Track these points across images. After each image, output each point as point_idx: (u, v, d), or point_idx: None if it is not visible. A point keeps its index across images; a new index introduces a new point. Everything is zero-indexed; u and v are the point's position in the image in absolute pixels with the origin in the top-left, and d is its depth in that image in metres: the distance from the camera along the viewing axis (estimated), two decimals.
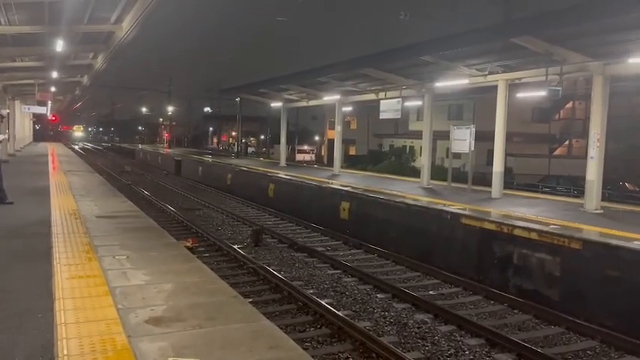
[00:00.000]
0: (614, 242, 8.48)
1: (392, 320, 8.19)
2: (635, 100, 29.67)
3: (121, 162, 46.71)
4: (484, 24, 11.75)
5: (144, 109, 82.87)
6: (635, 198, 21.19)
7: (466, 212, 11.77)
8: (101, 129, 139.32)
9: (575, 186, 22.35)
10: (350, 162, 39.54)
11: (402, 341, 7.40)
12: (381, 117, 20.06)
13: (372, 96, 20.77)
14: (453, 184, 17.65)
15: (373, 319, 8.25)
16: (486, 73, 14.88)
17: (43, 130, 70.06)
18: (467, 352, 7.11)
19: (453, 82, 16.12)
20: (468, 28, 14.22)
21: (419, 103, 19.99)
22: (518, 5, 16.07)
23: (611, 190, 21.48)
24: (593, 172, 12.46)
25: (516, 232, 10.04)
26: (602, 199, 13.30)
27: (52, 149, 39.20)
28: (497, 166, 15.00)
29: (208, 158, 36.30)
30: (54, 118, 58.17)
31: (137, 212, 10.87)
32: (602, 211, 12.38)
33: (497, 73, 14.75)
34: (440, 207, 12.51)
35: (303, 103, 26.91)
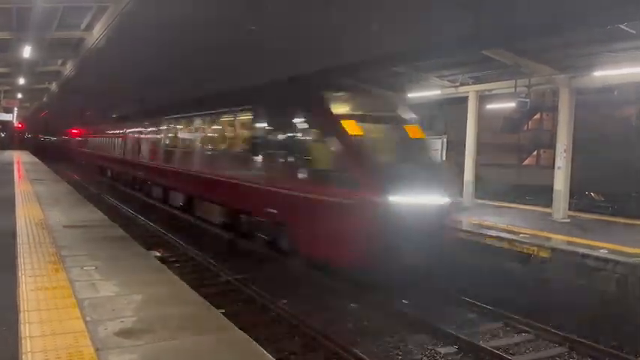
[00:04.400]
0: (581, 250, 8.69)
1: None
2: (602, 112, 30.47)
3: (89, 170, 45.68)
4: (455, 35, 11.97)
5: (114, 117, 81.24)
6: (601, 207, 21.73)
7: None
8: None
9: (544, 195, 22.83)
10: None
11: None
12: None
13: None
14: None
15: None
16: (457, 84, 15.15)
17: (9, 138, 67.78)
18: None
19: (425, 92, 16.35)
20: (440, 40, 14.44)
21: None
22: (488, 18, 16.44)
23: (578, 199, 22.00)
24: (560, 182, 12.77)
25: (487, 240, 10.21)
26: (570, 209, 13.62)
27: (17, 158, 38.18)
28: (468, 175, 15.25)
29: None
30: (20, 126, 56.68)
31: (106, 222, 10.66)
32: (569, 220, 12.68)
33: (468, 84, 15.04)
34: None
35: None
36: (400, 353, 7.29)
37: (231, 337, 4.52)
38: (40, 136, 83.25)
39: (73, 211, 11.70)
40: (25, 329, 4.45)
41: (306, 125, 9.90)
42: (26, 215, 10.54)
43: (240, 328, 4.88)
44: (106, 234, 9.07)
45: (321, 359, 7.04)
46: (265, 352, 4.35)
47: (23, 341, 4.20)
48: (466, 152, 15.12)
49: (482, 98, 15.38)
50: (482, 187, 16.48)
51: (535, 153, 42.06)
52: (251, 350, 4.26)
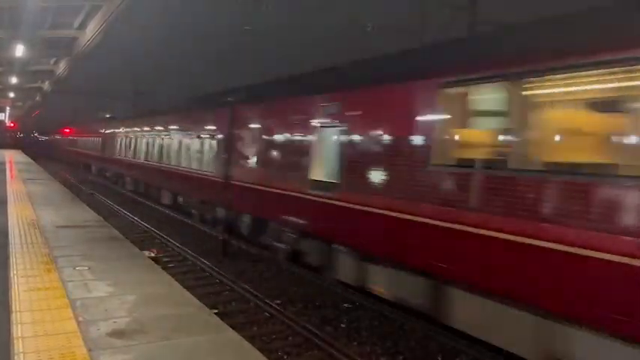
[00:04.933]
0: None
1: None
2: None
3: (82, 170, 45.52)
4: (449, 36, 11.98)
5: (107, 116, 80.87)
6: None
7: None
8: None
9: None
10: None
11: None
12: None
13: None
14: None
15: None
16: None
17: (1, 138, 67.17)
18: None
19: None
20: (434, 41, 14.51)
21: None
22: (483, 19, 16.53)
23: None
24: None
25: None
26: None
27: (10, 157, 37.99)
28: None
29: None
30: (12, 125, 56.39)
31: (100, 222, 10.64)
32: None
33: None
34: None
35: None
36: None
37: (224, 337, 4.52)
38: (38, 135, 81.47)
39: (66, 211, 11.65)
40: (17, 330, 4.43)
41: None
42: (19, 215, 10.49)
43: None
44: (99, 234, 9.04)
45: None
46: (257, 350, 4.36)
47: (15, 342, 4.18)
48: None
49: None
50: None
51: None
52: (244, 350, 4.27)
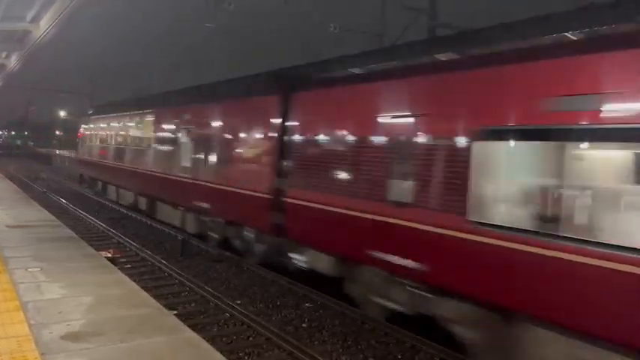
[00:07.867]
0: None
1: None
2: None
3: (36, 168, 43.98)
4: (410, 39, 12.17)
5: (62, 113, 78.40)
6: None
7: None
8: (13, 132, 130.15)
9: None
10: None
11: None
12: None
13: None
14: None
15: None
16: None
17: None
18: None
19: None
20: (396, 43, 14.69)
21: None
22: (442, 23, 16.87)
23: None
24: None
25: None
26: None
27: None
28: None
29: None
30: None
31: (53, 221, 10.31)
32: None
33: None
34: None
35: None
36: None
37: (183, 338, 4.46)
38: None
39: (18, 210, 11.24)
40: None
41: None
42: None
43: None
44: (53, 234, 8.77)
45: None
46: (217, 351, 4.33)
47: None
48: None
49: None
50: None
51: None
52: (203, 350, 4.22)
